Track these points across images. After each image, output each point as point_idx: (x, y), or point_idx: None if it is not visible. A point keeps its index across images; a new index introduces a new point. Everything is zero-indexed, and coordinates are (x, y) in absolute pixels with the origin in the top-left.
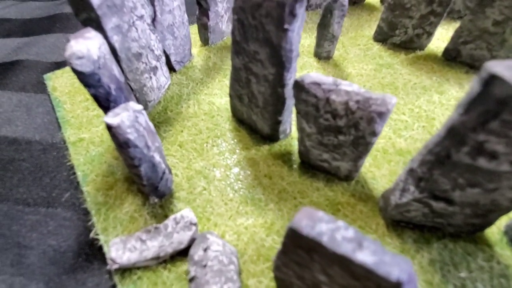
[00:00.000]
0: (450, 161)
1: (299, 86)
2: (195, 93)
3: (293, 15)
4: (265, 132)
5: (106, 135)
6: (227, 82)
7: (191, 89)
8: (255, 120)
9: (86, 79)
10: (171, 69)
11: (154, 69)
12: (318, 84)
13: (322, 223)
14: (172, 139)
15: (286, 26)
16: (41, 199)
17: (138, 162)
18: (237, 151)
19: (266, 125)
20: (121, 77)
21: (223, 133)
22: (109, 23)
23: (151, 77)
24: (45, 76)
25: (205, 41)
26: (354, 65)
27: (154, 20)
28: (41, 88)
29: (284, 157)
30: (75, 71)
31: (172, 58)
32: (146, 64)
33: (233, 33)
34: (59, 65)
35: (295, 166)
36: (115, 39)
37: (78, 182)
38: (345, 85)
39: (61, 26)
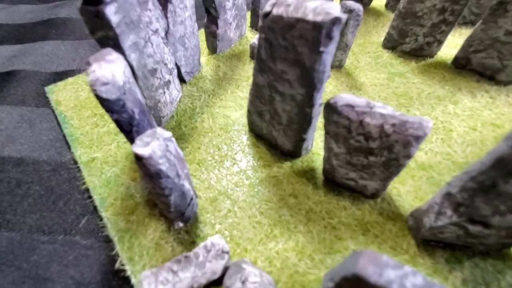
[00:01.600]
0: (496, 190)
1: (331, 108)
2: (208, 106)
3: (330, 37)
4: (286, 148)
5: (120, 154)
6: (240, 93)
7: (203, 102)
8: (275, 136)
9: (111, 106)
10: (181, 80)
11: (167, 84)
12: (351, 106)
13: (389, 269)
14: (190, 157)
15: (321, 49)
16: (56, 226)
17: (168, 192)
18: (259, 168)
19: (288, 142)
20: (143, 99)
21: (242, 149)
22: (127, 41)
23: (164, 92)
24: (46, 88)
25: (213, 49)
26: (366, 73)
27: (167, 32)
28: (43, 101)
29: (308, 174)
30: (99, 98)
31: (183, 69)
32: (160, 79)
33: (258, 51)
34: (60, 75)
35: (319, 183)
36: (133, 57)
37: (94, 207)
38: (379, 108)
39: (57, 32)
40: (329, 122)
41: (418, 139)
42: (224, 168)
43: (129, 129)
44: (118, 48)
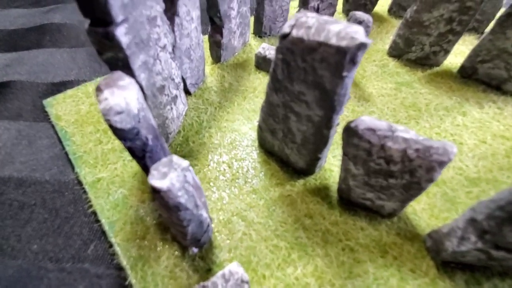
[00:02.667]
0: None
1: (351, 131)
2: (215, 119)
3: (354, 62)
4: (299, 166)
5: (127, 173)
6: (247, 105)
7: (210, 115)
8: (288, 154)
9: (124, 135)
10: (186, 92)
11: (175, 99)
12: (373, 130)
13: None
14: (201, 175)
15: (345, 74)
16: (63, 252)
17: (187, 223)
18: (271, 187)
19: (302, 160)
20: (155, 123)
21: (253, 167)
22: (137, 62)
23: (171, 108)
24: (44, 102)
25: (217, 58)
26: (373, 83)
27: (174, 46)
28: (41, 115)
29: (322, 193)
30: (113, 127)
31: (188, 81)
32: (168, 95)
33: (274, 70)
34: (57, 86)
35: (334, 202)
36: (142, 77)
37: (103, 231)
38: (401, 132)
39: (52, 39)
40: (348, 144)
41: (442, 164)
42: (236, 187)
43: (141, 155)
44: (128, 69)
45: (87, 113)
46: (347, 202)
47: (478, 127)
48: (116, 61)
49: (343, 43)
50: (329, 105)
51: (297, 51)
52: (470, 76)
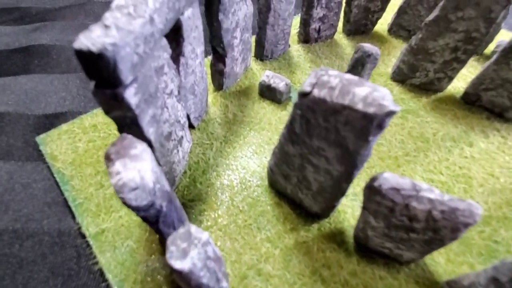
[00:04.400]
0: None
1: (374, 190)
2: (221, 156)
3: (381, 128)
4: (313, 211)
5: (132, 222)
6: (253, 139)
7: (216, 152)
8: (301, 198)
9: (139, 209)
10: (190, 126)
11: (180, 140)
12: (396, 189)
13: None
14: (211, 223)
15: (370, 138)
16: None
17: None
18: (286, 233)
19: (316, 206)
20: (169, 187)
21: (265, 210)
22: (146, 118)
23: (178, 151)
24: (38, 139)
25: (219, 86)
26: None
27: (179, 87)
28: (34, 153)
29: (337, 238)
30: (127, 205)
31: (192, 116)
32: (174, 139)
33: (291, 124)
34: (50, 119)
35: (350, 248)
36: (151, 132)
37: None
38: (426, 191)
39: (41, 63)
40: (370, 201)
41: (467, 225)
42: (249, 234)
43: (155, 220)
44: (136, 126)
45: (85, 152)
46: (364, 249)
47: (485, 158)
48: (124, 119)
49: (371, 110)
50: (351, 163)
51: (319, 111)
52: (473, 102)
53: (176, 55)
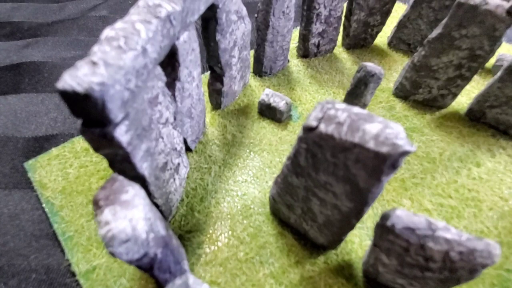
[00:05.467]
0: None
1: (387, 229)
2: (220, 181)
3: (394, 167)
4: (319, 242)
5: None
6: (253, 162)
7: (214, 176)
8: (306, 229)
9: (131, 262)
10: (187, 149)
11: (177, 168)
12: (411, 229)
13: None
14: (210, 256)
15: (383, 178)
16: None
17: None
18: (291, 268)
19: (323, 238)
20: (164, 229)
21: (267, 241)
22: (139, 153)
23: (174, 179)
24: (26, 165)
25: (217, 105)
26: None
27: (175, 113)
28: (22, 180)
29: (345, 272)
30: (118, 258)
31: (189, 139)
32: (170, 168)
33: (295, 156)
34: (40, 142)
35: (359, 284)
36: (145, 167)
37: None
38: (442, 230)
39: (31, 81)
40: (382, 239)
41: (485, 266)
42: (251, 269)
43: (149, 267)
44: (128, 162)
45: (76, 179)
46: (374, 284)
47: (493, 179)
48: (115, 156)
49: (384, 149)
50: (361, 200)
51: (326, 147)
52: (478, 119)
53: (172, 79)
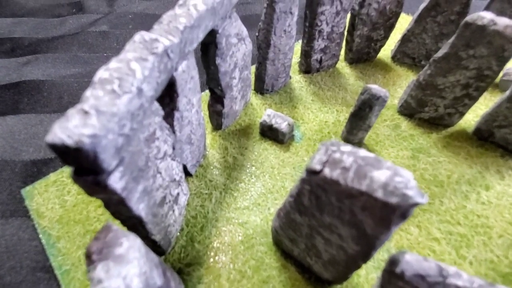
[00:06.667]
0: None
1: (396, 276)
2: (221, 208)
3: (404, 217)
4: (324, 277)
5: None
6: (255, 187)
7: (215, 203)
8: (310, 264)
9: None
10: (187, 174)
11: (176, 198)
12: (421, 276)
13: None
14: None
15: (392, 227)
16: None
17: None
18: None
19: (327, 274)
20: (161, 277)
21: (270, 275)
22: (135, 196)
23: (173, 211)
24: (23, 191)
25: (217, 126)
26: (388, 151)
27: (174, 143)
28: (20, 208)
29: None
30: None
31: (189, 165)
32: (169, 201)
33: (298, 196)
34: (38, 166)
35: None
36: (141, 208)
37: None
38: (453, 277)
39: (30, 101)
40: (390, 284)
41: None
42: None
43: None
44: (124, 206)
45: (73, 207)
46: None
47: (503, 204)
48: (110, 200)
49: (393, 200)
50: (368, 245)
51: (331, 191)
52: (486, 139)
53: (170, 110)
